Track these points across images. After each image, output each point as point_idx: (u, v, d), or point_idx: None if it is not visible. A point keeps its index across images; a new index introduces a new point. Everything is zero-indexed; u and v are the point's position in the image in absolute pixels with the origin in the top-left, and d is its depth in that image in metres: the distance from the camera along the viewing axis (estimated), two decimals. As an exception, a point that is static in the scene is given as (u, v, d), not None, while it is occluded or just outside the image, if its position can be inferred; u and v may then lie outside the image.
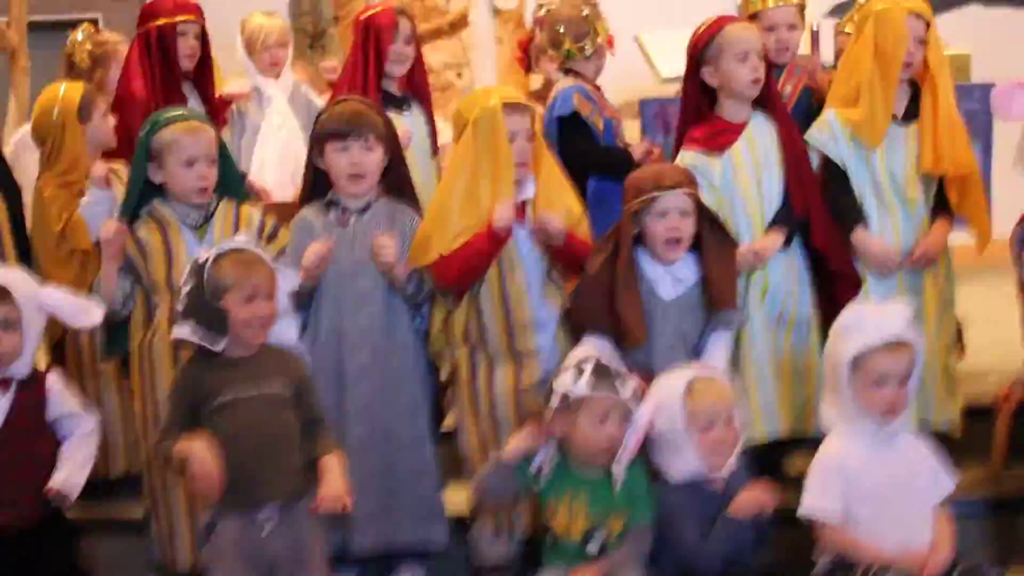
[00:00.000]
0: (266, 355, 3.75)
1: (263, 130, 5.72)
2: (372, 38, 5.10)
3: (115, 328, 4.27)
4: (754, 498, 3.80)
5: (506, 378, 4.18)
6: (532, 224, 4.18)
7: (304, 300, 4.19)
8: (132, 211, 4.27)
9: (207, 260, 3.71)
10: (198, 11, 5.41)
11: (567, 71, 5.42)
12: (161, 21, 5.30)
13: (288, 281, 3.91)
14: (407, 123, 5.08)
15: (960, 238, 4.60)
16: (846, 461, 3.78)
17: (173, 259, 4.20)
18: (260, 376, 3.70)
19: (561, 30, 5.40)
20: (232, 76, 5.94)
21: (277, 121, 5.72)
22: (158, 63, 5.29)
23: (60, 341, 4.76)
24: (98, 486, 4.41)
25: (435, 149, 5.29)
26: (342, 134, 4.23)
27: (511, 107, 4.17)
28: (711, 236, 4.17)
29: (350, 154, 4.22)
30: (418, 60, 5.27)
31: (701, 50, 4.43)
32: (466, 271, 4.17)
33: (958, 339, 4.80)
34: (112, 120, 5.00)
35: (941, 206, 4.48)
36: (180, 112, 4.45)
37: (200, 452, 3.57)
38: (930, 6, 4.48)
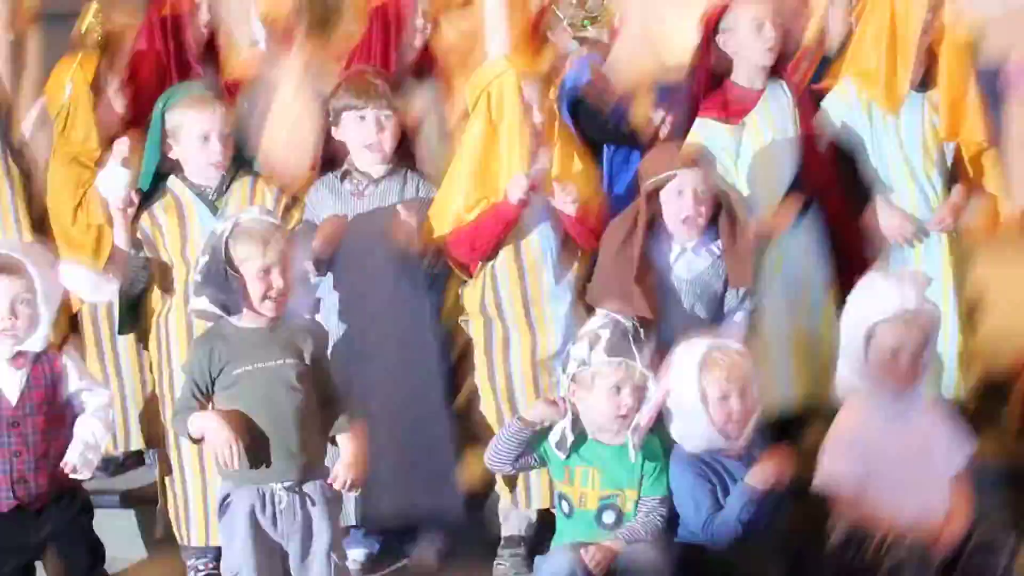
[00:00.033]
0: (281, 328, 3.75)
1: (274, 106, 5.70)
2: (389, 11, 5.09)
3: (130, 303, 4.28)
4: (770, 469, 3.79)
5: (522, 349, 4.19)
6: (547, 195, 4.18)
7: (320, 272, 4.20)
8: (148, 187, 4.27)
9: (223, 232, 3.70)
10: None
11: (581, 41, 5.40)
12: None
13: (304, 253, 3.91)
14: (422, 97, 5.07)
15: (976, 211, 4.59)
16: (862, 432, 3.78)
17: (188, 234, 4.20)
18: (275, 349, 3.70)
19: (574, 1, 5.39)
20: (245, 50, 5.91)
21: (289, 96, 5.70)
22: (169, 41, 5.28)
23: (77, 315, 4.76)
24: (114, 459, 4.42)
25: (450, 122, 5.27)
26: (360, 104, 4.23)
27: (525, 79, 4.16)
28: (728, 215, 4.16)
29: (367, 124, 4.22)
30: (434, 33, 5.26)
31: (717, 18, 4.43)
32: (481, 244, 4.18)
33: (973, 311, 4.79)
34: (125, 95, 4.99)
35: (958, 177, 4.47)
36: (193, 88, 4.45)
37: (217, 423, 3.57)
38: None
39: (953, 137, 4.40)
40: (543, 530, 4.10)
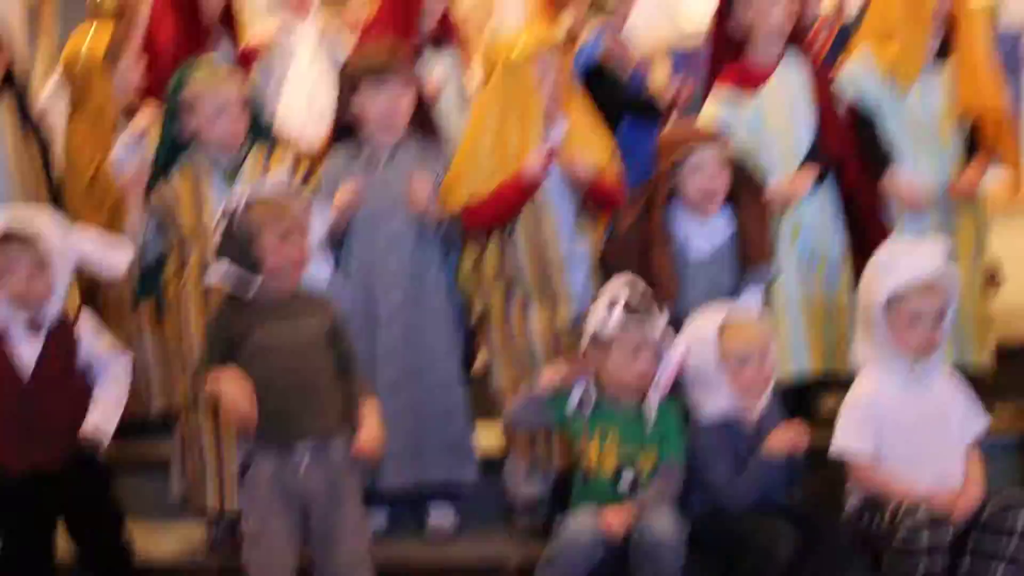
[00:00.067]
0: (299, 297, 3.75)
1: (290, 73, 5.69)
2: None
3: (147, 271, 4.29)
4: (786, 437, 3.79)
5: (540, 317, 4.20)
6: (564, 164, 4.17)
7: (336, 241, 4.20)
8: (164, 161, 4.27)
9: (240, 201, 3.70)
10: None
11: (597, 10, 5.38)
12: None
13: (320, 222, 3.91)
14: (441, 66, 5.06)
15: (993, 179, 4.58)
16: (878, 400, 3.78)
17: (204, 206, 4.20)
18: (293, 318, 3.69)
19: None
20: (261, 18, 5.91)
21: (305, 63, 5.69)
22: (185, 9, 5.27)
23: (95, 282, 4.77)
24: (133, 426, 4.43)
25: (468, 91, 5.27)
26: (378, 74, 4.23)
27: (541, 49, 4.15)
28: (745, 190, 4.16)
29: (385, 94, 4.22)
30: (451, 2, 5.25)
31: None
32: (496, 217, 4.19)
33: (992, 278, 4.78)
34: (140, 65, 4.98)
35: (976, 147, 4.46)
36: (208, 62, 4.45)
37: (231, 386, 3.57)
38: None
39: (971, 105, 4.38)
40: (558, 498, 4.10)
